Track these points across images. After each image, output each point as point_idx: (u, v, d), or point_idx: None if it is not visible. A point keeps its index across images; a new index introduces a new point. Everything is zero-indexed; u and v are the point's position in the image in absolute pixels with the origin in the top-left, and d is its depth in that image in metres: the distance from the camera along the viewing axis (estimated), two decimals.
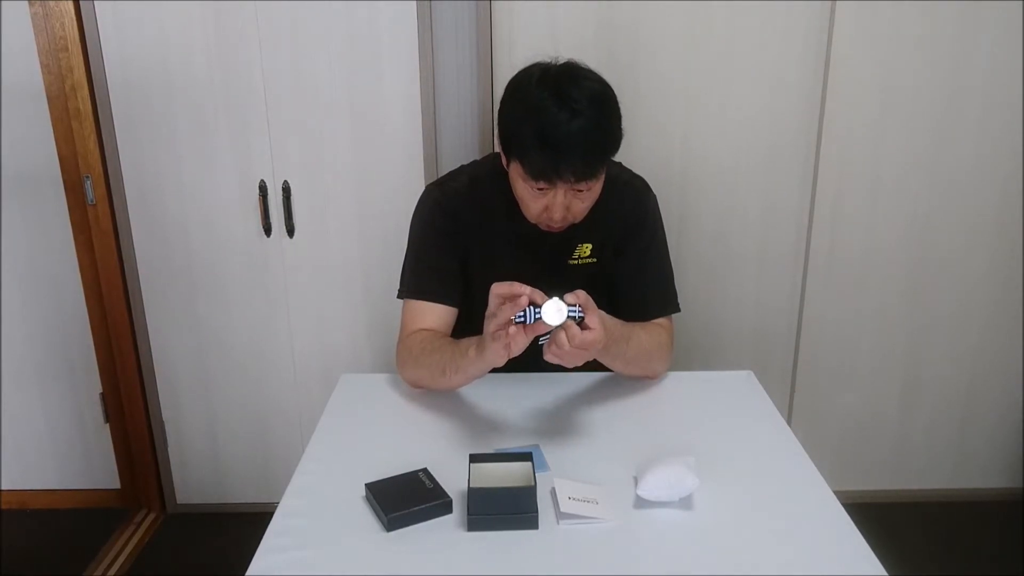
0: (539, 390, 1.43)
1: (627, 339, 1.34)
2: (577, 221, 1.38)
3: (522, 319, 1.13)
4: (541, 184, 1.29)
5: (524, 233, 1.44)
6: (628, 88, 1.96)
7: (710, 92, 2.00)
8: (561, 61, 1.32)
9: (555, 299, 1.13)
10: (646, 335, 1.41)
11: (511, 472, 1.11)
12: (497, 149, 1.41)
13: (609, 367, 1.39)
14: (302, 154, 2.04)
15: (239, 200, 2.08)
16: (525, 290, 1.14)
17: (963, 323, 2.20)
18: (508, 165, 1.35)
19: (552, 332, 1.15)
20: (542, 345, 1.20)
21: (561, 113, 1.24)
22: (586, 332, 1.15)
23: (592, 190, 1.33)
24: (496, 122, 1.36)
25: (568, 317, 1.13)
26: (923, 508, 2.33)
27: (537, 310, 1.13)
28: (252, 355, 2.21)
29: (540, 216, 1.35)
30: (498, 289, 1.16)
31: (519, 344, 1.16)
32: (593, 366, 1.46)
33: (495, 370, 1.47)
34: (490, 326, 1.17)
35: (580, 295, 1.16)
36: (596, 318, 1.17)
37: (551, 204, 1.31)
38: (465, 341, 1.30)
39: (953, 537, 2.23)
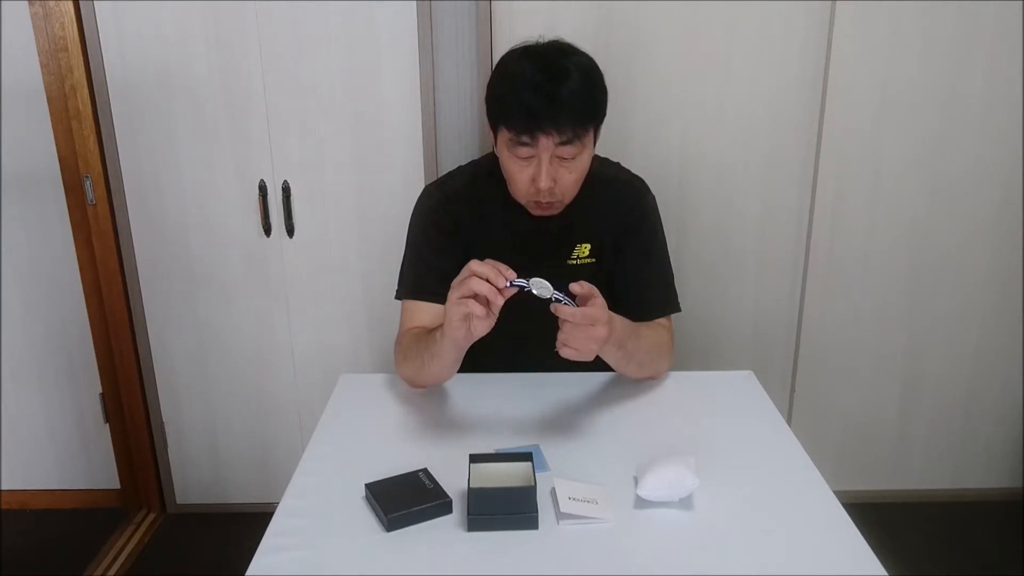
0: (539, 390, 1.43)
1: (636, 336, 1.34)
2: (566, 200, 1.38)
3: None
4: (525, 147, 1.28)
5: (523, 232, 1.45)
6: (628, 87, 1.97)
7: (710, 92, 2.00)
8: (547, 39, 1.34)
9: (541, 279, 1.14)
10: (651, 333, 1.42)
11: (511, 472, 1.11)
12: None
13: (618, 368, 1.39)
14: (302, 154, 2.04)
15: (239, 200, 2.08)
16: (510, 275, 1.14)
17: (963, 323, 2.20)
18: (496, 141, 1.36)
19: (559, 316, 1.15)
20: (538, 340, 1.20)
21: (542, 75, 1.26)
22: (589, 306, 1.15)
23: (578, 160, 1.33)
24: (484, 99, 1.37)
25: (554, 299, 1.14)
26: (923, 508, 2.33)
27: (520, 280, 1.14)
28: (252, 355, 2.21)
29: (528, 190, 1.35)
30: (476, 266, 1.14)
31: (480, 323, 1.15)
32: (592, 366, 1.47)
33: (495, 369, 1.48)
34: (454, 294, 1.15)
35: (584, 285, 1.17)
36: (599, 300, 1.17)
37: (536, 173, 1.31)
38: (438, 328, 1.29)
39: (953, 537, 2.23)
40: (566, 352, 1.17)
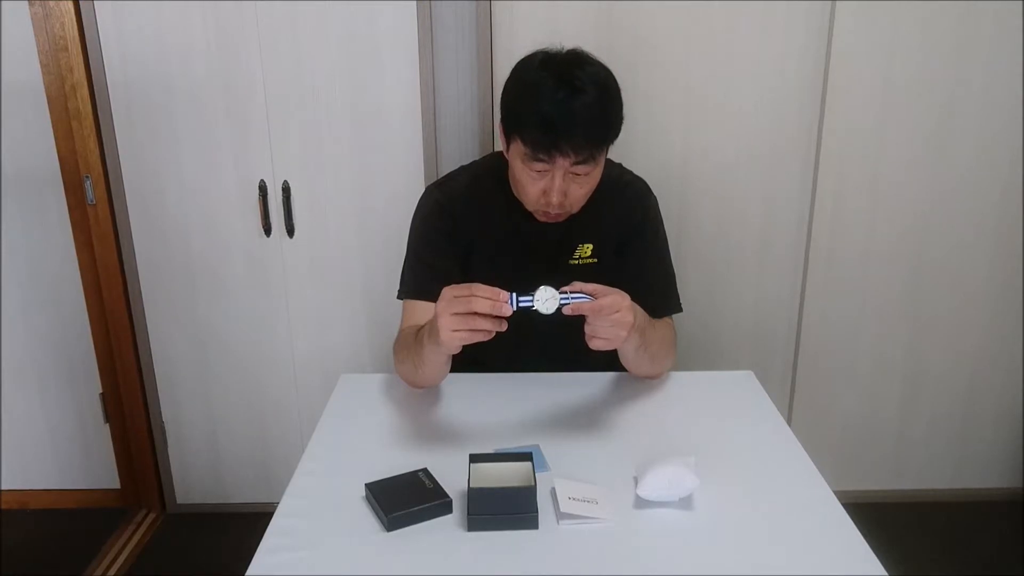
0: (539, 390, 1.43)
1: (652, 325, 1.35)
2: (574, 211, 1.38)
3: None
4: (540, 162, 1.28)
5: (524, 233, 1.45)
6: (629, 87, 1.93)
7: (711, 92, 2.00)
8: (566, 49, 1.33)
9: (547, 287, 1.14)
10: (660, 327, 1.42)
11: (511, 472, 1.11)
12: (499, 148, 1.41)
13: (632, 362, 1.38)
14: (302, 154, 2.04)
15: (239, 200, 2.08)
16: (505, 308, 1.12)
17: (963, 323, 2.20)
18: (508, 147, 1.35)
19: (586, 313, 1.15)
20: (539, 340, 1.19)
21: (563, 91, 1.25)
22: (607, 295, 1.15)
23: (590, 176, 1.33)
24: (500, 105, 1.36)
25: (561, 304, 1.13)
26: (923, 508, 2.33)
27: (525, 298, 1.12)
28: (252, 355, 2.21)
29: (538, 201, 1.35)
30: (482, 291, 1.12)
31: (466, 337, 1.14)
32: (592, 366, 1.47)
33: (496, 366, 1.48)
34: (449, 307, 1.12)
35: (591, 284, 1.16)
36: (613, 289, 1.17)
37: (549, 188, 1.31)
38: (422, 329, 1.28)
39: (953, 537, 2.23)
40: (596, 343, 1.16)
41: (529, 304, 1.13)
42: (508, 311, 1.11)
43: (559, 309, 1.14)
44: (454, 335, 1.13)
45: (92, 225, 2.10)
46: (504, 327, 1.12)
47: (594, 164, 1.31)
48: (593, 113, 1.26)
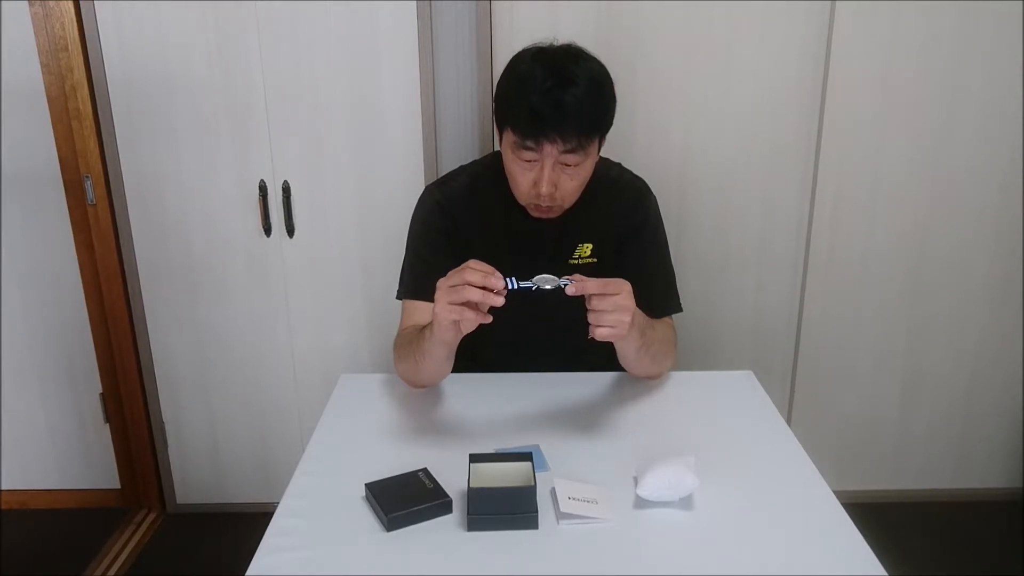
0: (539, 390, 1.43)
1: (652, 325, 1.35)
2: (566, 205, 1.38)
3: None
4: (528, 151, 1.28)
5: (524, 232, 1.45)
6: (629, 87, 1.96)
7: (710, 92, 2.00)
8: (560, 43, 1.34)
9: (545, 276, 1.15)
10: (660, 327, 1.42)
11: (511, 472, 1.11)
12: (499, 147, 1.41)
13: (633, 362, 1.38)
14: (302, 154, 2.04)
15: (239, 200, 2.08)
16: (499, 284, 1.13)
17: (963, 323, 2.20)
18: (501, 139, 1.36)
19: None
20: (542, 339, 1.19)
21: (552, 80, 1.25)
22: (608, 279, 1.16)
23: (580, 168, 1.33)
24: (493, 98, 1.37)
25: (563, 284, 1.15)
26: (923, 508, 2.33)
27: (525, 283, 1.14)
28: (252, 355, 2.21)
29: (528, 193, 1.35)
30: (470, 276, 1.13)
31: (469, 323, 1.15)
32: (592, 366, 1.46)
33: (496, 370, 1.48)
34: (443, 297, 1.15)
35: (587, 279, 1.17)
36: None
37: (538, 178, 1.31)
38: (427, 326, 1.29)
39: (953, 537, 2.23)
40: (600, 332, 1.16)
41: (529, 287, 1.14)
42: (500, 284, 1.12)
43: (562, 289, 1.15)
44: (445, 307, 1.14)
45: (92, 225, 2.10)
46: (499, 302, 1.12)
47: (583, 155, 1.30)
48: (582, 104, 1.26)
